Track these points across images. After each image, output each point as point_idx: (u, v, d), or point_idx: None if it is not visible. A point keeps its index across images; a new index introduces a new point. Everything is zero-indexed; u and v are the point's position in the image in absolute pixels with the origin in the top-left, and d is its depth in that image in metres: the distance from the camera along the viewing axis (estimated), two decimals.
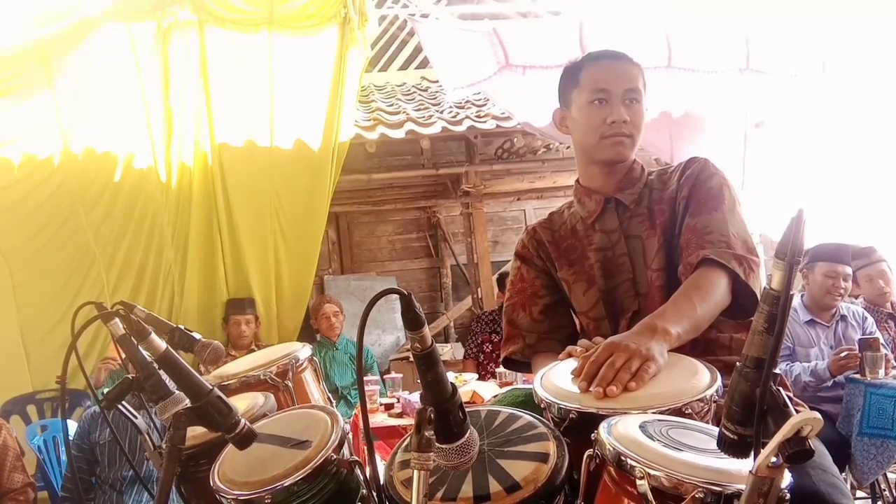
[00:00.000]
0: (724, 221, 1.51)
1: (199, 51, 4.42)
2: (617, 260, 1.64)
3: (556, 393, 1.18)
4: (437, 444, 0.91)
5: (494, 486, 1.01)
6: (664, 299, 1.50)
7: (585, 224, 1.70)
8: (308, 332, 4.88)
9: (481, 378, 4.44)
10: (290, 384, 1.56)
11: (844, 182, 5.00)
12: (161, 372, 1.16)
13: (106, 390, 1.29)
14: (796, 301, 3.78)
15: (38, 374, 4.28)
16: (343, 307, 5.04)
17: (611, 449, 0.94)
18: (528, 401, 1.27)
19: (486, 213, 6.81)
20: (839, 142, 4.95)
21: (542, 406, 1.19)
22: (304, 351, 1.65)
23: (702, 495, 0.85)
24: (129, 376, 1.24)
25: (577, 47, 4.12)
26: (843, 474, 3.27)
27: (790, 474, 0.84)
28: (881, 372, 3.31)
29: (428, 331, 0.92)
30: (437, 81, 6.15)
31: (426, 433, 0.89)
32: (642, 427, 0.99)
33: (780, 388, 0.80)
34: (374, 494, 1.08)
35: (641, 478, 0.89)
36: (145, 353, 1.16)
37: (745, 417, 0.81)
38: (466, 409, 0.94)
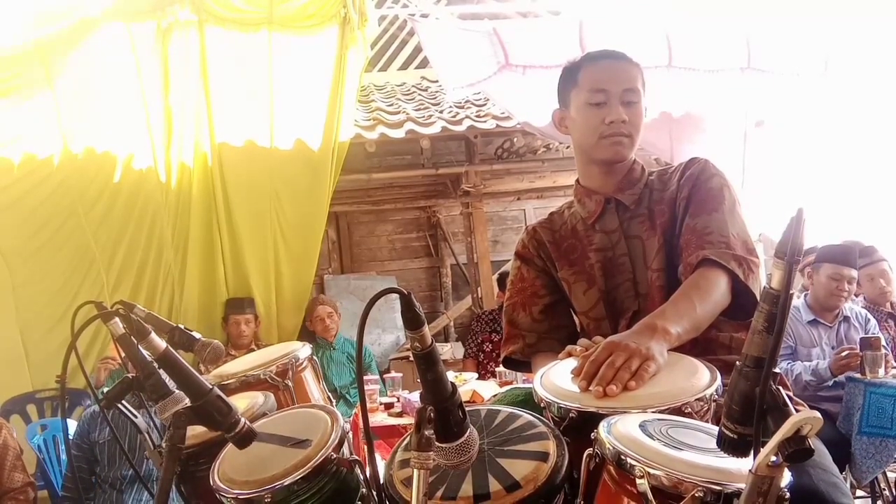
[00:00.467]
0: (724, 222, 1.51)
1: (199, 51, 4.42)
2: (617, 260, 1.64)
3: (556, 392, 1.18)
4: (436, 443, 0.91)
5: (494, 484, 1.01)
6: (664, 299, 1.50)
7: (586, 224, 1.70)
8: (307, 333, 4.88)
9: (481, 377, 4.44)
10: (289, 383, 1.57)
11: (845, 182, 4.99)
12: (161, 371, 1.16)
13: (106, 389, 1.29)
14: (799, 301, 3.78)
15: (38, 373, 4.28)
16: (337, 307, 5.02)
17: (611, 448, 0.94)
18: (527, 400, 1.27)
19: (486, 212, 6.80)
20: (840, 141, 4.95)
21: (541, 405, 1.19)
22: (303, 350, 1.65)
23: (701, 494, 0.85)
24: (129, 375, 1.24)
25: (577, 47, 4.12)
26: (844, 473, 3.27)
27: (790, 473, 0.84)
28: (881, 371, 3.31)
29: (428, 330, 0.92)
30: (436, 81, 6.15)
31: (426, 432, 0.89)
32: (642, 426, 0.99)
33: (780, 388, 0.80)
34: (374, 493, 1.08)
35: (641, 477, 0.89)
36: (145, 352, 1.16)
37: (745, 416, 0.81)
38: (466, 409, 0.95)
